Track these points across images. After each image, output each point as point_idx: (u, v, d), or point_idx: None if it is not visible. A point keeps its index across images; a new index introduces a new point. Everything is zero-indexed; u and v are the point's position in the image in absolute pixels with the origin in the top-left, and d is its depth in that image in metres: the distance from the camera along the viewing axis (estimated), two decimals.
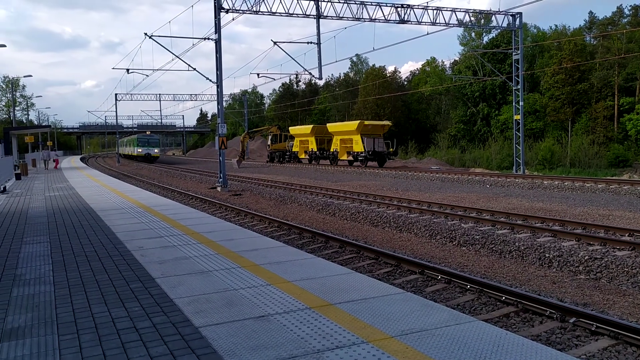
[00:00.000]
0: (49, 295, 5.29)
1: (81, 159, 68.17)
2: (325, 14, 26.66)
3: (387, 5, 28.02)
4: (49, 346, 3.95)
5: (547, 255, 10.12)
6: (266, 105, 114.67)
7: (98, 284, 5.71)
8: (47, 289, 5.55)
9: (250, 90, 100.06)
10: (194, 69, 29.74)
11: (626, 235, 11.43)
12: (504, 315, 6.93)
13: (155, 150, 66.69)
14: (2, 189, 19.16)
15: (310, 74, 30.92)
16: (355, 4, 27.43)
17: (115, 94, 66.02)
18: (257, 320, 4.37)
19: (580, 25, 66.92)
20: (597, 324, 6.24)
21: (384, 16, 27.89)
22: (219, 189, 25.22)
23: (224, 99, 26.18)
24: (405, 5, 28.17)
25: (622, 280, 8.70)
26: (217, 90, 25.25)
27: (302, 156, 48.98)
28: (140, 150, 65.78)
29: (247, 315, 4.49)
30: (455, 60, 76.65)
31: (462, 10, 29.71)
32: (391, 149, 40.24)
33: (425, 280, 8.68)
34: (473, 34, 71.54)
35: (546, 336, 6.22)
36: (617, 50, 52.99)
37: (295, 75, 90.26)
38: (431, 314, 4.45)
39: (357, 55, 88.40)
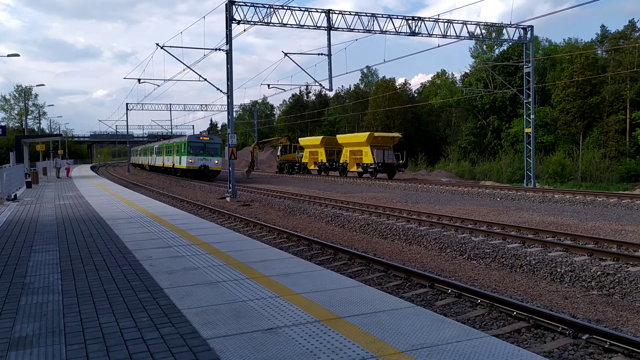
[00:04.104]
0: (57, 305, 5.28)
1: (91, 168, 68.48)
2: (336, 26, 26.74)
3: (398, 18, 28.05)
4: (56, 356, 3.92)
5: (558, 270, 10.00)
6: (276, 116, 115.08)
7: (106, 293, 5.69)
8: (56, 298, 5.53)
9: (260, 101, 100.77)
10: (205, 79, 29.89)
11: None
12: (515, 331, 6.83)
13: (216, 162, 43.52)
14: (12, 196, 19.27)
15: (320, 85, 30.98)
16: (366, 16, 27.51)
17: (127, 104, 65.97)
18: (265, 333, 4.32)
19: (592, 38, 66.68)
20: (611, 341, 6.13)
21: (395, 28, 27.93)
22: (228, 199, 25.24)
23: (234, 110, 26.28)
24: (416, 18, 28.20)
25: (636, 297, 8.57)
26: (228, 101, 25.36)
27: (312, 167, 48.99)
28: (191, 160, 42.66)
29: (255, 328, 4.45)
30: (465, 72, 76.63)
31: (473, 22, 29.70)
32: (401, 161, 40.18)
33: (435, 294, 8.59)
34: (484, 47, 71.52)
35: (559, 353, 6.12)
36: (629, 64, 52.69)
37: (305, 87, 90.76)
38: (442, 329, 4.39)
39: (367, 67, 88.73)
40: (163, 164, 53.08)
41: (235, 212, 20.49)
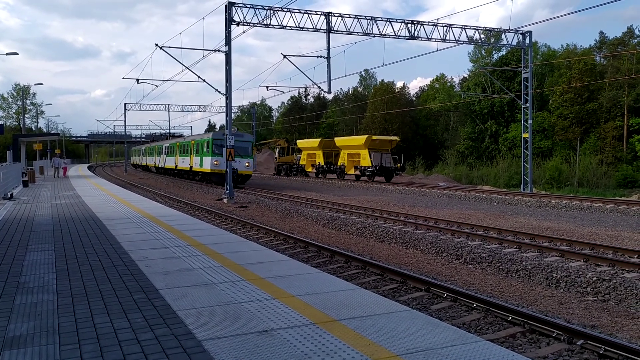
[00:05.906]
0: (52, 304, 5.26)
1: (89, 168, 68.20)
2: (335, 29, 26.76)
3: (397, 21, 28.12)
4: (50, 356, 3.91)
5: (554, 275, 10.01)
6: (274, 118, 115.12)
7: (101, 293, 5.67)
8: (50, 297, 5.52)
9: (259, 102, 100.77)
10: (204, 80, 29.89)
11: (635, 256, 11.30)
12: (510, 336, 6.83)
13: (246, 164, 35.35)
14: (9, 195, 19.22)
15: (319, 87, 30.97)
16: (366, 19, 27.54)
17: (125, 104, 65.39)
18: (260, 335, 4.31)
19: (590, 44, 67.13)
20: (606, 347, 6.13)
21: (394, 32, 27.96)
22: (225, 200, 25.22)
23: (232, 111, 26.25)
24: (415, 22, 28.24)
25: (631, 303, 8.58)
26: (226, 102, 25.35)
27: (309, 170, 48.99)
28: (216, 162, 35.01)
29: (250, 330, 4.44)
30: (464, 76, 76.85)
31: (472, 27, 29.76)
32: (398, 165, 40.20)
33: (431, 298, 8.59)
34: (483, 51, 71.68)
35: (553, 358, 6.13)
36: (627, 71, 52.87)
37: (304, 89, 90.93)
38: (437, 333, 4.39)
39: (366, 70, 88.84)
40: (176, 166, 45.48)
41: (232, 213, 20.47)
